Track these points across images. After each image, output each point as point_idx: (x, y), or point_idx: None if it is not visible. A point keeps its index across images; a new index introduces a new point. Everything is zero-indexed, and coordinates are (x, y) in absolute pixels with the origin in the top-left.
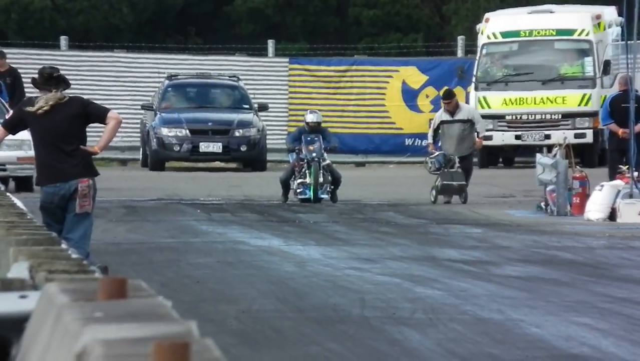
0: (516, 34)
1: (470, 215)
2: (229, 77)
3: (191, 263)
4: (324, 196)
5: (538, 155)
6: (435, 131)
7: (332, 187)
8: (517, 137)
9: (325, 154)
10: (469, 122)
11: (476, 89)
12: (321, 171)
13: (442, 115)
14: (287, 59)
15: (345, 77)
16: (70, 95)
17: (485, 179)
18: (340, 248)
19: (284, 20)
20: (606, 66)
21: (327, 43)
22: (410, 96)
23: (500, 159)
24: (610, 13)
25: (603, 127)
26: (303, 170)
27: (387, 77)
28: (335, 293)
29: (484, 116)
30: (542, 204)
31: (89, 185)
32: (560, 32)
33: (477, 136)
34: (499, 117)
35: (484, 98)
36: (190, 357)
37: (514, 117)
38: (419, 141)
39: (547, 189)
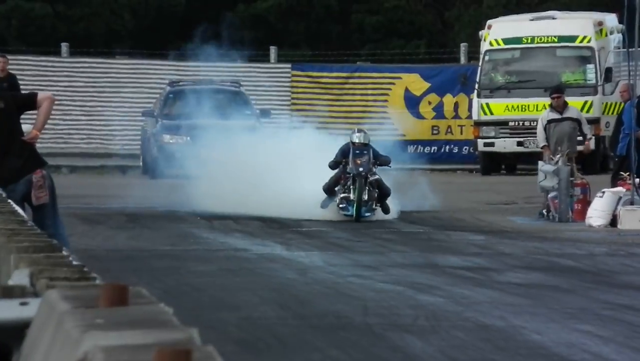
0: (518, 40)
1: (473, 222)
2: (231, 83)
3: (192, 270)
4: (368, 214)
5: (540, 162)
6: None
7: (379, 204)
8: (519, 144)
9: (374, 169)
10: (577, 122)
11: (479, 95)
12: (367, 188)
13: (548, 114)
14: (289, 66)
15: (348, 84)
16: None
17: (487, 186)
18: (342, 255)
19: (287, 26)
20: (608, 73)
21: (329, 50)
22: (412, 103)
23: (503, 166)
24: (611, 20)
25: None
26: (348, 184)
27: (390, 84)
28: (338, 300)
29: (486, 123)
30: (544, 211)
31: (42, 176)
32: (562, 38)
33: (585, 139)
34: (501, 124)
35: (487, 105)
36: None
37: (516, 124)
38: (422, 148)
39: (549, 196)
